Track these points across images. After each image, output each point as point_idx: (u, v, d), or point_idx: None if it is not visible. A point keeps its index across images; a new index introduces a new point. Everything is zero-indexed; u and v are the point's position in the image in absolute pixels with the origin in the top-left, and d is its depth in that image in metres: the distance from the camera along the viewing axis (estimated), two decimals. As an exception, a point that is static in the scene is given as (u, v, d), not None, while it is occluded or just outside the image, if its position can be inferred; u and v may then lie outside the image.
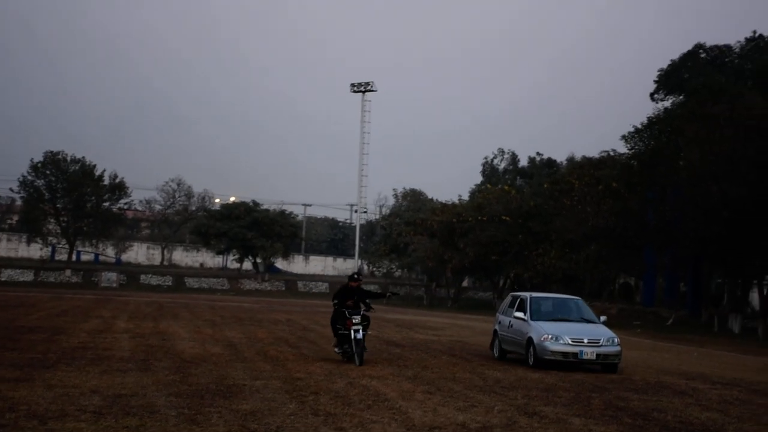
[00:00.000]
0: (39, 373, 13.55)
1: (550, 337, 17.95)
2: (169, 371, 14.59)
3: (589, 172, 50.57)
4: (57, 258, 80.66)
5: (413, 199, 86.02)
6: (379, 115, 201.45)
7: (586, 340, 17.95)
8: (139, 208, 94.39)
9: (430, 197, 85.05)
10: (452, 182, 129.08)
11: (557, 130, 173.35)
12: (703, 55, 56.13)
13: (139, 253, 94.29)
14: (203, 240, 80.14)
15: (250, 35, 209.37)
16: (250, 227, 75.38)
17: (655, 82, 57.03)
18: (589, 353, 17.80)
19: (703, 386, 16.61)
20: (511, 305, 20.32)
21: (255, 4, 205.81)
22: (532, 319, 18.82)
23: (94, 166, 74.04)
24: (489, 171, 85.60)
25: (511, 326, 19.59)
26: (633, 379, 17.18)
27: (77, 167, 73.28)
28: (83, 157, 74.08)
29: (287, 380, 14.13)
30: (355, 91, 78.92)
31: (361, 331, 17.03)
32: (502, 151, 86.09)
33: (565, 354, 17.81)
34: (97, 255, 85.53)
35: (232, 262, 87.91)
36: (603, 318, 19.78)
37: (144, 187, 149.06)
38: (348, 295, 17.70)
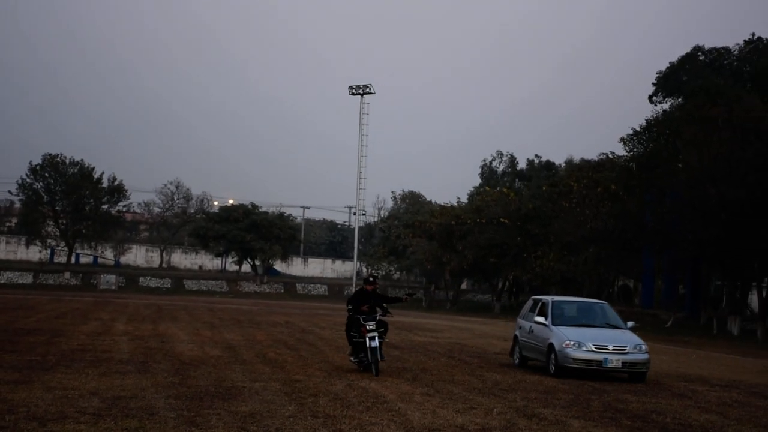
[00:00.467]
0: (38, 375, 13.55)
1: (572, 343, 16.85)
2: (168, 373, 14.59)
3: (587, 174, 50.61)
4: (56, 260, 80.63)
5: (412, 201, 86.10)
6: (377, 118, 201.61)
7: (611, 347, 16.83)
8: (138, 211, 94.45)
9: (428, 200, 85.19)
10: (451, 185, 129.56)
11: (556, 133, 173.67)
12: (701, 58, 56.16)
13: (137, 255, 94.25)
14: (202, 242, 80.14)
15: (248, 39, 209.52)
16: (248, 230, 75.39)
17: (654, 84, 57.06)
18: (615, 361, 16.68)
19: (702, 388, 16.62)
20: (532, 309, 19.32)
21: (253, 8, 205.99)
22: (553, 324, 17.79)
23: (93, 168, 74.06)
24: (487, 173, 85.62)
25: (532, 332, 18.61)
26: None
27: (76, 170, 73.25)
28: (82, 160, 74.17)
29: (286, 382, 14.14)
30: (353, 94, 78.79)
31: (377, 338, 15.79)
32: (500, 154, 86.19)
33: (588, 362, 16.70)
34: (95, 257, 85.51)
35: (230, 264, 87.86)
36: (630, 323, 18.61)
37: (143, 190, 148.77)
38: (363, 300, 16.50)
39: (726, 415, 13.00)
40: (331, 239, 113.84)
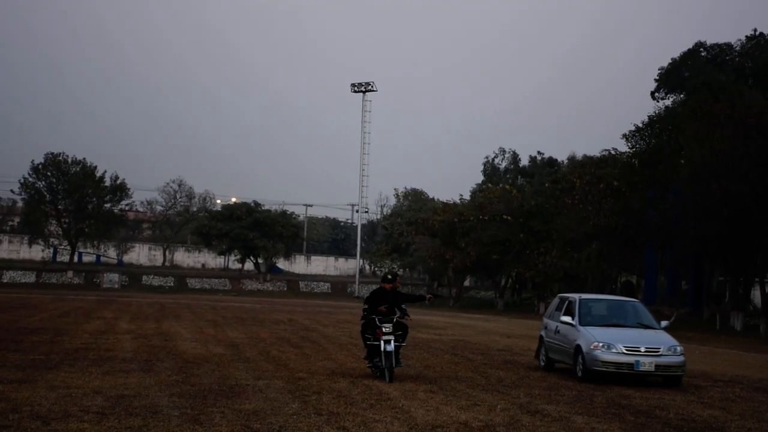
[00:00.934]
0: (42, 374, 13.58)
1: (601, 345, 15.66)
2: (171, 372, 14.61)
3: (590, 171, 50.54)
4: (59, 259, 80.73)
5: (414, 198, 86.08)
6: (380, 115, 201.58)
7: (643, 349, 15.65)
8: (141, 210, 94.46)
9: (431, 197, 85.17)
10: (453, 182, 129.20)
11: (558, 129, 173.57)
12: (703, 54, 56.04)
13: (140, 254, 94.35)
14: (205, 241, 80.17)
15: (252, 36, 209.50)
16: (251, 228, 75.40)
17: (656, 80, 56.96)
18: (647, 364, 15.47)
19: (705, 384, 16.63)
20: (559, 308, 18.17)
21: (256, 5, 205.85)
22: (581, 324, 16.65)
23: (95, 167, 74.01)
24: (490, 170, 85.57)
25: (558, 332, 17.50)
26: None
27: (78, 168, 73.25)
28: (84, 159, 74.12)
29: (290, 380, 14.15)
30: (355, 91, 78.94)
31: (392, 342, 14.45)
32: (503, 151, 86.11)
33: (618, 365, 15.50)
34: (98, 256, 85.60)
35: (233, 262, 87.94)
36: (664, 323, 17.51)
37: (145, 189, 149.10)
38: (381, 300, 15.05)
39: (729, 411, 13.01)
40: (334, 237, 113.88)
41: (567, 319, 17.00)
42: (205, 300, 54.07)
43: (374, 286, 67.40)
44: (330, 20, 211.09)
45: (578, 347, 16.16)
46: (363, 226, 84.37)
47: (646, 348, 15.72)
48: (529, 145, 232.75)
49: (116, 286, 71.71)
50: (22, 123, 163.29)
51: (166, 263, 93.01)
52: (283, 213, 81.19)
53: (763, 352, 28.54)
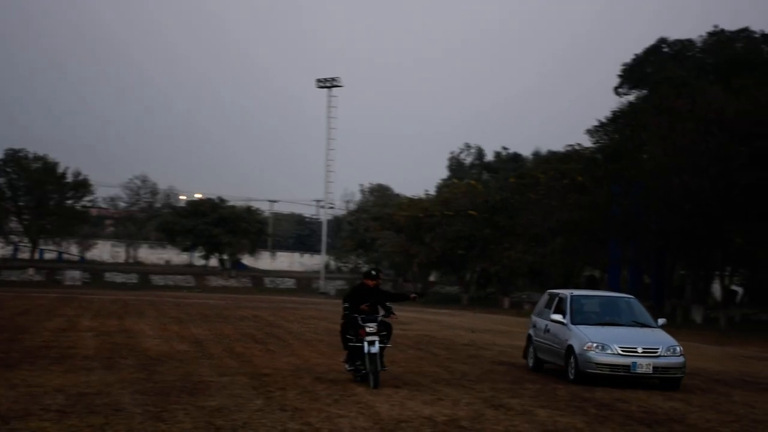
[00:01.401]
0: (1, 372, 13.38)
1: (594, 345, 14.68)
2: (134, 369, 14.49)
3: (554, 166, 50.98)
4: (19, 256, 79.57)
5: (380, 194, 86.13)
6: (345, 110, 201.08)
7: (640, 350, 14.69)
8: (103, 206, 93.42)
9: (396, 192, 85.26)
10: (419, 177, 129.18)
11: (523, 125, 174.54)
12: (666, 50, 56.65)
13: (103, 250, 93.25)
14: (168, 237, 79.56)
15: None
16: (216, 224, 74.96)
17: (619, 76, 57.48)
18: (645, 365, 14.53)
19: (667, 376, 16.80)
20: (548, 305, 17.10)
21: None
22: (572, 322, 15.62)
23: (57, 163, 73.21)
24: (455, 166, 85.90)
25: (548, 331, 16.45)
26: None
27: (39, 165, 72.37)
28: (45, 155, 73.27)
29: (254, 376, 14.09)
30: (320, 87, 78.75)
31: (377, 343, 13.31)
32: (468, 146, 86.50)
33: (613, 366, 14.53)
34: (60, 253, 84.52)
35: (198, 259, 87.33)
36: (661, 321, 16.53)
37: (108, 185, 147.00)
38: (363, 297, 13.93)
39: (689, 402, 13.20)
40: (299, 233, 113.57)
41: (558, 317, 15.97)
42: (169, 297, 53.62)
43: (339, 282, 67.56)
44: (297, 12, 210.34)
45: (570, 348, 15.19)
46: (328, 221, 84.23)
47: (644, 348, 14.78)
48: (494, 140, 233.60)
49: (78, 283, 70.79)
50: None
51: (130, 260, 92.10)
52: (248, 209, 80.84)
53: (722, 344, 29.01)
